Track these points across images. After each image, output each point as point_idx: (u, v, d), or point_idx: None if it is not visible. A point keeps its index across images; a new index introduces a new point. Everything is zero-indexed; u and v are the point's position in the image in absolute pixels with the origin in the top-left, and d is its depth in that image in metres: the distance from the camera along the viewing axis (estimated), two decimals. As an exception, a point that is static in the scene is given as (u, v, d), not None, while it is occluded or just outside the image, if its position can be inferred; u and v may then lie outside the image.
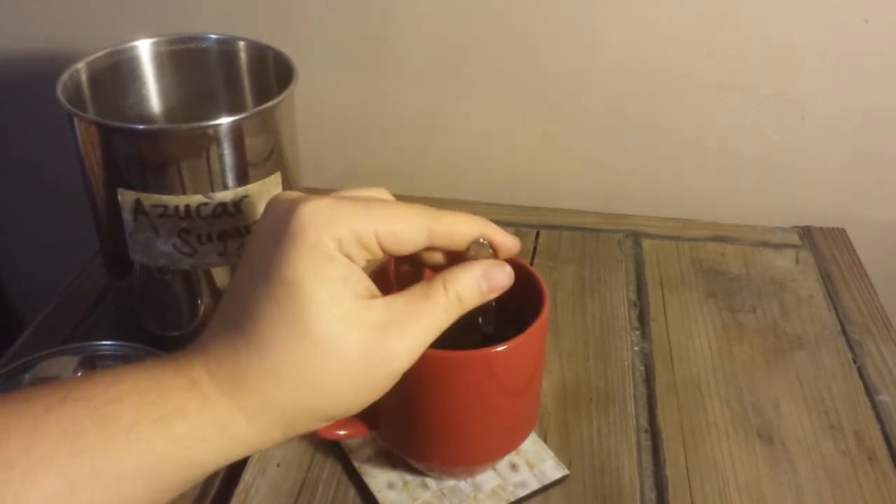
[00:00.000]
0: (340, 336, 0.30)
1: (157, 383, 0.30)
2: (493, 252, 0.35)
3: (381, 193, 0.36)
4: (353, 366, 0.31)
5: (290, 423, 0.31)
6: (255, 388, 0.30)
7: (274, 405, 0.30)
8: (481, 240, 0.34)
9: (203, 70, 0.58)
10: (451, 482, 0.46)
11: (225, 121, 0.47)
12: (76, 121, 0.48)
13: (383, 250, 0.32)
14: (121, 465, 0.28)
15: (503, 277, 0.35)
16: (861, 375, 0.55)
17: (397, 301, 0.32)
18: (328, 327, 0.30)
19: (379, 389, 0.32)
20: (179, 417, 0.29)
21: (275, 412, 0.31)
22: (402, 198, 0.79)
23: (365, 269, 0.33)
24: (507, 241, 0.36)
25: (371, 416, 0.44)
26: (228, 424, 0.30)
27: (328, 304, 0.30)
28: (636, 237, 0.70)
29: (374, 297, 0.32)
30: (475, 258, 0.34)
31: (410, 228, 0.33)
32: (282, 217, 0.32)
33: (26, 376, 0.49)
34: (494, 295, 0.35)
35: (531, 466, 0.47)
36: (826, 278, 0.65)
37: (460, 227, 0.34)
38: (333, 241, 0.31)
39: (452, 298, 0.33)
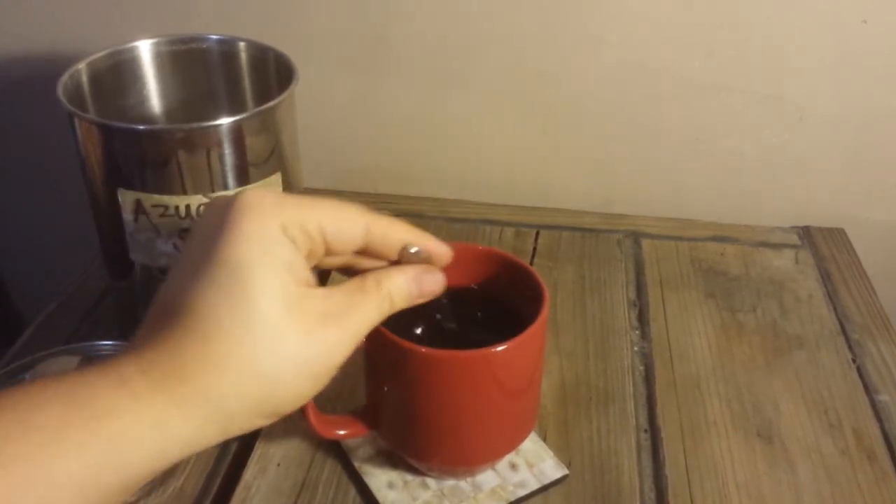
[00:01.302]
0: (286, 320, 0.30)
1: (83, 386, 0.28)
2: (426, 260, 0.36)
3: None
4: (298, 352, 0.30)
5: (231, 418, 0.30)
6: (196, 380, 0.28)
7: (215, 397, 0.29)
8: (416, 249, 0.35)
9: (204, 70, 0.58)
10: (451, 482, 0.46)
11: (225, 121, 0.48)
12: (77, 121, 0.48)
13: (325, 243, 0.32)
14: (53, 471, 0.26)
15: (434, 284, 0.35)
16: (860, 375, 0.55)
17: (336, 293, 0.32)
18: (274, 310, 0.29)
19: (320, 382, 0.31)
20: (110, 418, 0.27)
21: (215, 406, 0.29)
22: (401, 198, 0.79)
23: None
24: (441, 249, 0.36)
25: (371, 415, 0.45)
26: (163, 422, 0.28)
27: (273, 288, 0.29)
28: (636, 237, 0.70)
29: (312, 286, 0.32)
30: (408, 263, 0.35)
31: (351, 223, 0.33)
32: (223, 208, 0.31)
33: (27, 376, 0.49)
34: (424, 300, 0.35)
35: (531, 466, 0.47)
36: (825, 278, 0.65)
37: (395, 231, 0.34)
38: (278, 224, 0.30)
39: (384, 296, 0.34)
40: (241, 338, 0.29)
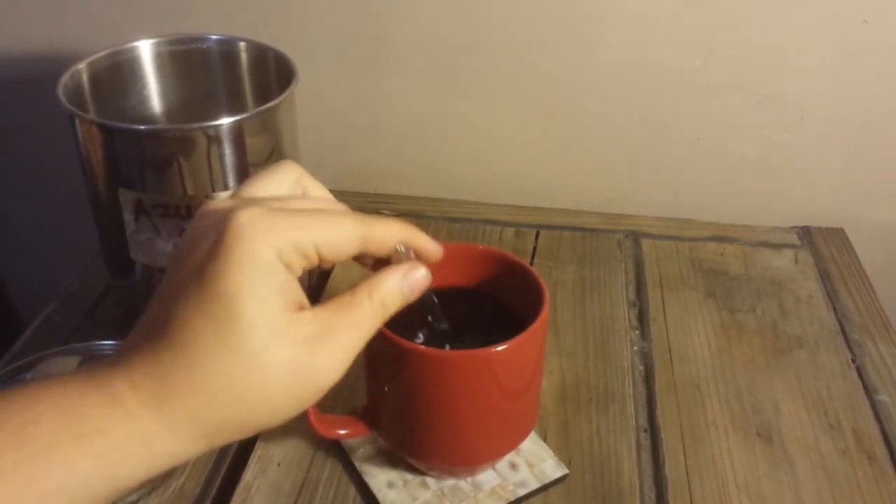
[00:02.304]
0: (272, 350, 0.30)
1: (76, 401, 0.29)
2: (413, 257, 0.36)
3: (294, 171, 0.36)
4: (284, 379, 0.30)
5: (216, 435, 0.31)
6: (183, 402, 0.29)
7: (201, 419, 0.30)
8: (401, 247, 0.35)
9: (204, 70, 0.58)
10: (451, 481, 0.46)
11: (226, 121, 0.48)
12: (77, 121, 0.48)
13: (320, 258, 0.32)
14: (43, 486, 0.27)
15: (422, 279, 0.35)
16: (860, 375, 0.55)
17: (325, 312, 0.32)
18: (261, 341, 0.30)
19: (307, 402, 0.32)
20: (100, 435, 0.28)
21: (201, 426, 0.30)
22: (401, 198, 0.79)
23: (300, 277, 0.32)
24: (431, 247, 0.37)
25: (371, 415, 0.45)
26: (152, 439, 0.29)
27: (261, 318, 0.30)
28: (636, 237, 0.70)
29: (303, 308, 0.32)
30: (397, 262, 0.35)
31: (346, 237, 0.33)
32: (215, 226, 0.31)
33: (28, 376, 0.49)
34: (415, 296, 0.35)
35: (531, 466, 0.47)
36: (825, 278, 0.65)
37: (391, 234, 0.35)
38: (272, 250, 0.30)
39: (377, 306, 0.34)
40: (227, 367, 0.29)
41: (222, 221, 0.30)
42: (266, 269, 0.30)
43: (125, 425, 0.29)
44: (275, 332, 0.30)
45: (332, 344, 0.32)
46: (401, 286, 0.35)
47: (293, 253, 0.31)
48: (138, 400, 0.29)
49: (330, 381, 0.32)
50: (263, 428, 0.32)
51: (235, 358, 0.29)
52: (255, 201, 0.32)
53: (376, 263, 0.36)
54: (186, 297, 0.30)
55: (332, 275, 0.62)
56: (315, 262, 0.32)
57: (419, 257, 0.36)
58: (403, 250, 0.35)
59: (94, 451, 0.28)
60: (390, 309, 0.34)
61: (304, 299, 0.32)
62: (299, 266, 0.31)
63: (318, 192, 0.36)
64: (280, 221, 0.31)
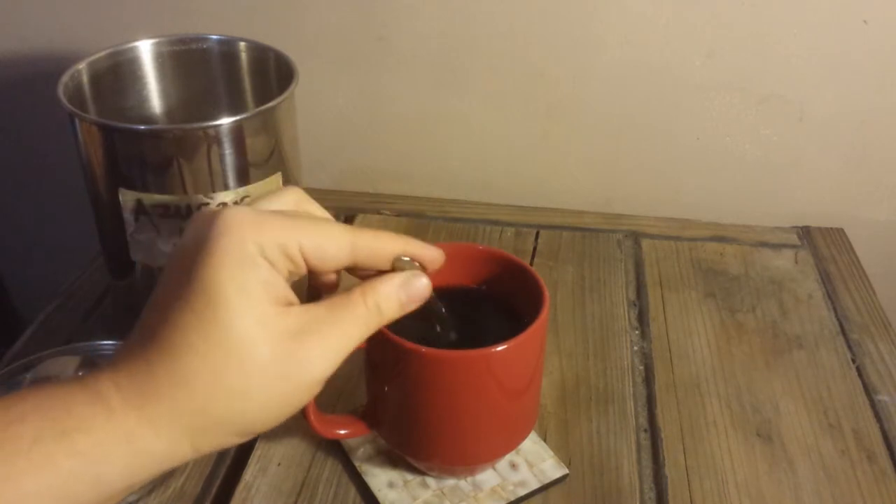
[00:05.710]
0: (255, 340, 0.30)
1: (60, 400, 0.29)
2: (418, 267, 0.36)
3: (296, 194, 0.35)
4: (267, 371, 0.30)
5: (201, 435, 0.30)
6: (166, 397, 0.29)
7: (184, 414, 0.29)
8: (405, 257, 0.35)
9: (204, 71, 0.58)
10: (451, 481, 0.46)
11: (226, 121, 0.48)
12: (77, 121, 0.48)
13: (308, 264, 0.32)
14: (24, 484, 0.27)
15: (421, 288, 0.35)
16: (860, 375, 0.55)
17: (316, 309, 0.32)
18: (243, 331, 0.29)
19: (295, 400, 0.31)
20: (82, 433, 0.28)
21: (185, 423, 0.29)
22: (401, 198, 0.79)
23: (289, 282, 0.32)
24: (432, 254, 0.36)
25: (371, 415, 0.45)
26: (135, 438, 0.29)
27: (244, 308, 0.30)
28: (636, 237, 0.70)
29: (291, 304, 0.31)
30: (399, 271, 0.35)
31: (335, 243, 0.33)
32: (204, 225, 0.31)
33: (28, 376, 0.49)
34: (414, 306, 0.35)
35: (531, 466, 0.47)
36: (825, 278, 0.65)
37: (382, 244, 0.34)
38: (256, 245, 0.30)
39: (372, 308, 0.33)
40: (209, 356, 0.29)
41: (211, 219, 0.31)
42: (248, 261, 0.30)
43: (108, 423, 0.28)
44: (259, 323, 0.30)
45: (320, 337, 0.31)
46: (398, 293, 0.34)
47: (277, 252, 0.31)
48: (121, 397, 0.29)
49: (317, 377, 0.31)
50: (252, 429, 0.31)
51: (217, 348, 0.29)
52: (248, 205, 0.32)
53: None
54: (173, 294, 0.30)
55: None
56: (301, 266, 0.32)
57: (421, 266, 0.36)
58: (407, 260, 0.35)
59: (76, 449, 0.28)
60: (386, 314, 0.34)
61: (292, 297, 0.32)
62: (284, 268, 0.31)
63: (319, 214, 0.36)
64: (267, 221, 0.31)
